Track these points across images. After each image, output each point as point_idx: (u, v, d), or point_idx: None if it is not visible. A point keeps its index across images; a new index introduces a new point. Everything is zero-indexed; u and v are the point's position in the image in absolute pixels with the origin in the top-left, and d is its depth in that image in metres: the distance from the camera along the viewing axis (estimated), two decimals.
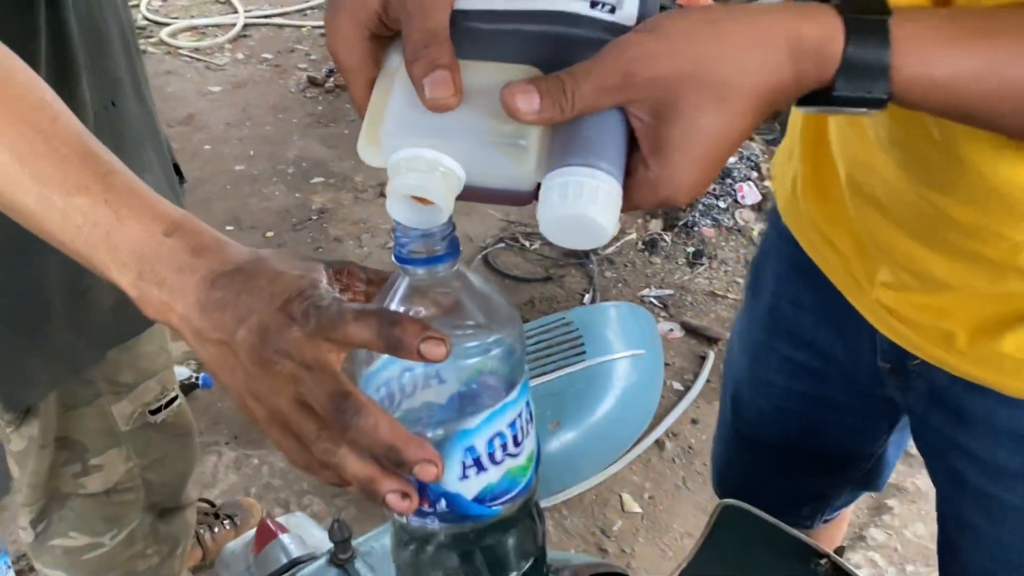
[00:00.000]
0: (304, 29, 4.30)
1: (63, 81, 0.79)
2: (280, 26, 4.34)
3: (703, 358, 2.09)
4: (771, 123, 3.05)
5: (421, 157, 0.43)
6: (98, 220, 0.47)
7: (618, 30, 0.43)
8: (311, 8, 4.57)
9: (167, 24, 4.24)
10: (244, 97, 3.55)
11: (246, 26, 4.31)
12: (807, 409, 0.82)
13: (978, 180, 0.52)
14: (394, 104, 0.44)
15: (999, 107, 0.42)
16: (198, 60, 3.91)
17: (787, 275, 0.79)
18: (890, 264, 0.64)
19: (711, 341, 2.13)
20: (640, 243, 2.48)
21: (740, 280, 2.35)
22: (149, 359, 1.03)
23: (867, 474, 0.88)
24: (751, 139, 2.93)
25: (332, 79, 3.61)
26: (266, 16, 4.45)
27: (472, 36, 0.44)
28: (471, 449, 0.48)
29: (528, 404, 0.52)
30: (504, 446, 0.49)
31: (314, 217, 2.72)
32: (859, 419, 0.82)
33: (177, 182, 0.99)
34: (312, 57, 3.97)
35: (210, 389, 2.01)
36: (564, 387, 1.70)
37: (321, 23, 4.34)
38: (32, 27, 0.77)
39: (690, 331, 2.18)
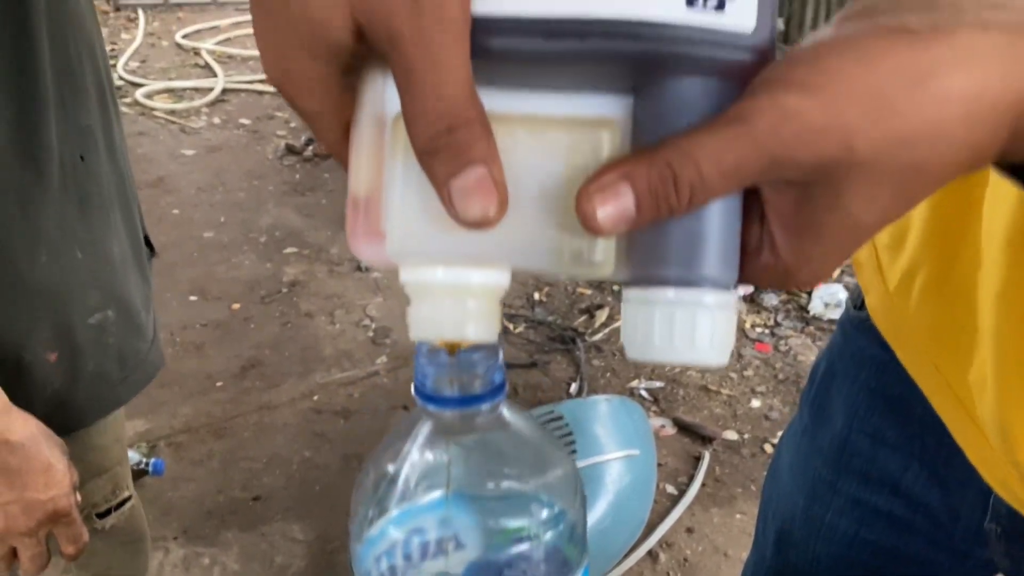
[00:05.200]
0: None
1: (26, 119, 0.66)
2: (260, 92, 4.26)
3: (698, 459, 1.94)
4: None
5: (450, 286, 0.30)
6: None
7: (734, 42, 0.28)
8: None
9: (143, 85, 4.14)
10: (218, 162, 3.42)
11: (225, 91, 4.22)
12: (878, 563, 0.68)
13: None
14: (398, 194, 0.30)
15: None
16: (173, 123, 3.80)
17: (866, 403, 0.65)
18: None
19: (706, 440, 1.99)
20: None
21: (733, 375, 2.22)
22: (100, 452, 0.87)
23: None
24: None
25: (311, 148, 3.51)
26: (246, 81, 4.36)
27: (504, 60, 0.28)
28: None
29: None
30: None
31: (284, 290, 2.57)
32: None
33: (146, 254, 0.84)
34: (292, 125, 3.87)
35: (161, 476, 1.83)
36: None
37: None
38: None
39: (683, 428, 2.04)
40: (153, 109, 3.92)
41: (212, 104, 4.09)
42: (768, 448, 1.99)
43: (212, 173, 3.30)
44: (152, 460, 1.83)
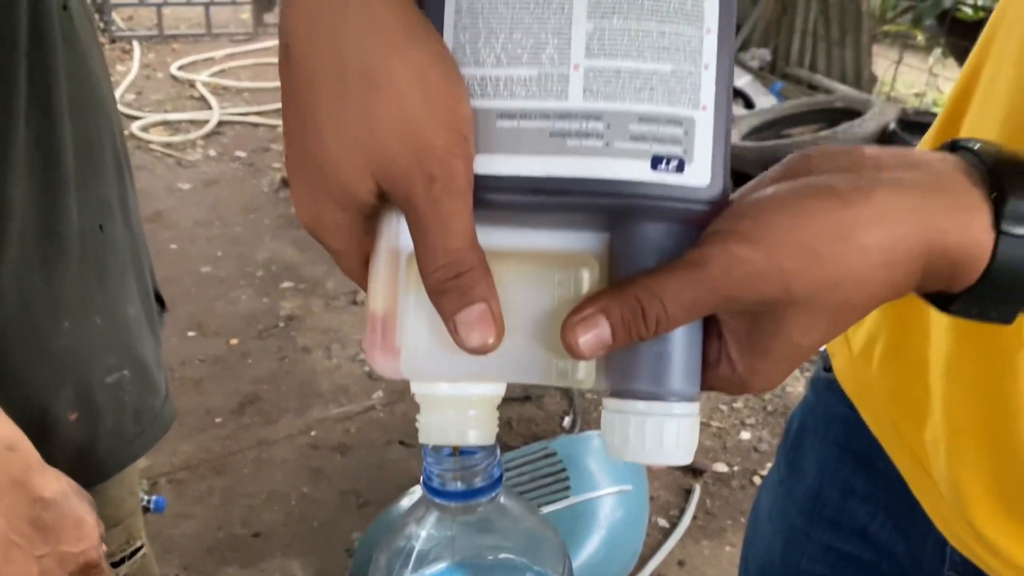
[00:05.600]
0: (279, 128, 4.27)
1: (50, 195, 0.71)
2: (255, 125, 4.31)
3: (688, 491, 1.98)
4: None
5: (456, 399, 0.35)
6: None
7: (691, 197, 0.34)
8: None
9: (139, 118, 4.19)
10: (214, 195, 3.47)
11: (220, 123, 4.27)
12: None
13: None
14: (411, 322, 0.35)
15: None
16: (169, 156, 3.85)
17: (836, 458, 0.70)
18: (985, 483, 0.56)
19: (696, 473, 2.04)
20: None
21: (723, 407, 2.27)
22: (115, 505, 0.91)
23: None
24: None
25: None
26: (241, 114, 4.42)
27: (502, 208, 0.34)
28: None
29: None
30: None
31: (282, 324, 2.61)
32: None
33: (157, 312, 0.89)
34: None
35: (162, 514, 1.86)
36: None
37: None
38: (8, 132, 0.69)
39: None
40: (149, 142, 3.96)
41: (208, 136, 4.14)
42: (757, 480, 2.03)
43: (209, 207, 3.34)
44: (153, 498, 1.85)
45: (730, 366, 0.36)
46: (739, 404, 2.28)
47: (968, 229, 0.33)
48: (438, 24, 0.34)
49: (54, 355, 0.73)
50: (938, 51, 4.69)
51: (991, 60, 0.54)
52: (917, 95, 4.65)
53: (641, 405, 0.34)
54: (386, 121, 0.31)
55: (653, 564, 1.78)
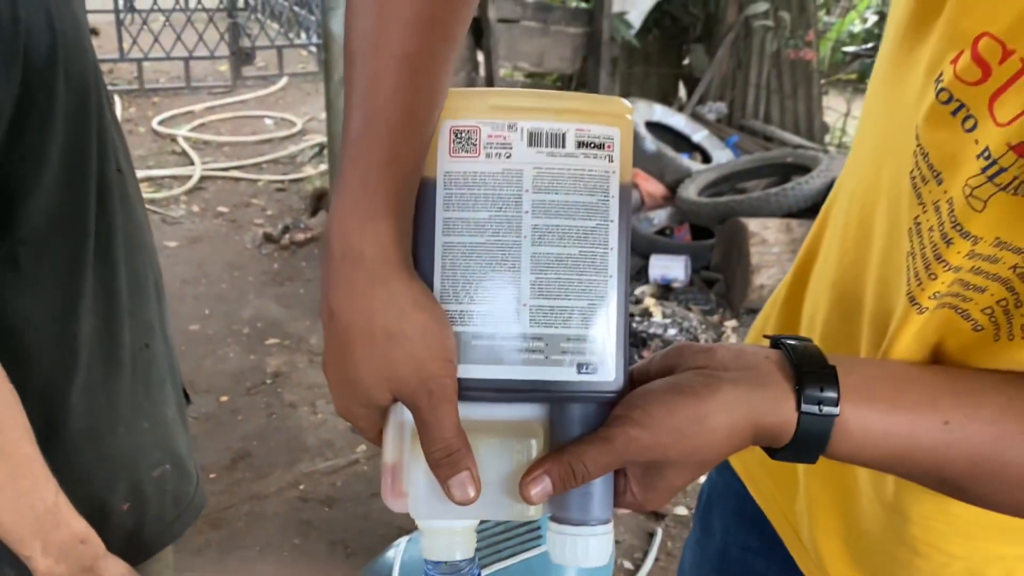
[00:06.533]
0: (260, 183, 4.44)
1: (110, 326, 0.88)
2: (236, 179, 4.48)
3: (651, 535, 2.16)
4: (707, 293, 3.25)
5: (447, 529, 0.53)
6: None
7: (602, 389, 0.52)
8: (267, 162, 4.74)
9: None
10: (200, 253, 3.62)
11: (202, 178, 4.43)
12: None
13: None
14: (417, 481, 0.52)
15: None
16: (154, 212, 3.99)
17: (735, 523, 0.88)
18: (838, 545, 0.74)
19: (658, 517, 2.21)
20: None
21: None
22: None
23: None
24: (688, 309, 3.10)
25: (288, 236, 3.72)
26: (223, 168, 4.59)
27: (478, 400, 0.52)
28: None
29: None
30: None
31: (268, 381, 2.76)
32: None
33: (184, 406, 1.06)
34: (268, 212, 4.09)
35: None
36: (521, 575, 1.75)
37: (277, 177, 4.49)
38: (80, 282, 0.85)
39: None
40: None
41: (190, 192, 4.30)
42: None
43: (195, 265, 3.50)
44: None
45: (632, 495, 0.54)
46: None
47: (780, 412, 0.51)
48: (428, 276, 0.51)
49: (112, 457, 0.90)
50: None
51: (833, 213, 0.72)
52: None
53: (573, 528, 0.52)
54: (401, 360, 0.49)
55: None
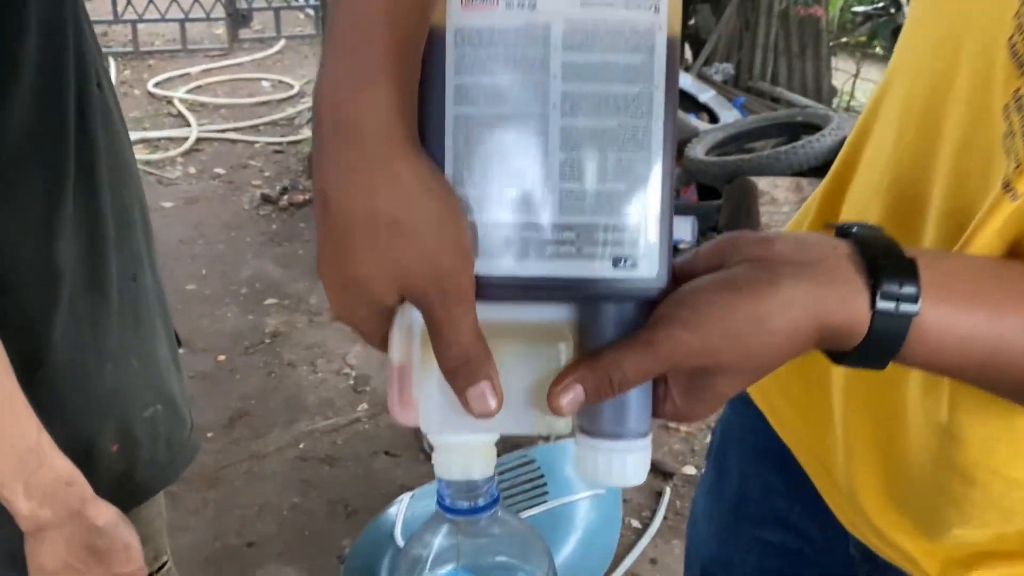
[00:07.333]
0: (257, 145, 4.36)
1: (93, 255, 0.82)
2: (233, 141, 4.40)
3: (659, 494, 2.11)
4: None
5: (464, 445, 0.47)
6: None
7: (643, 286, 0.45)
8: (264, 124, 4.65)
9: None
10: (196, 214, 3.56)
11: (199, 140, 4.35)
12: None
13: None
14: (429, 391, 0.45)
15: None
16: (150, 174, 3.92)
17: (754, 461, 0.82)
18: (876, 481, 0.68)
19: (666, 476, 2.17)
20: None
21: None
22: (146, 525, 1.01)
23: None
24: None
25: (286, 197, 3.66)
26: (219, 130, 4.50)
27: (498, 298, 0.45)
28: None
29: None
30: None
31: (267, 340, 2.71)
32: None
33: (176, 347, 1.01)
34: (266, 174, 4.01)
35: None
36: None
37: (275, 139, 4.41)
38: (61, 206, 0.79)
39: None
40: None
41: (187, 153, 4.22)
42: None
43: (191, 225, 3.43)
44: None
45: (673, 405, 0.47)
46: None
47: (851, 310, 0.45)
48: (438, 154, 0.44)
49: (99, 396, 0.84)
50: None
51: (879, 122, 0.66)
52: None
53: (607, 443, 0.45)
54: (410, 255, 0.42)
55: (627, 563, 1.91)
